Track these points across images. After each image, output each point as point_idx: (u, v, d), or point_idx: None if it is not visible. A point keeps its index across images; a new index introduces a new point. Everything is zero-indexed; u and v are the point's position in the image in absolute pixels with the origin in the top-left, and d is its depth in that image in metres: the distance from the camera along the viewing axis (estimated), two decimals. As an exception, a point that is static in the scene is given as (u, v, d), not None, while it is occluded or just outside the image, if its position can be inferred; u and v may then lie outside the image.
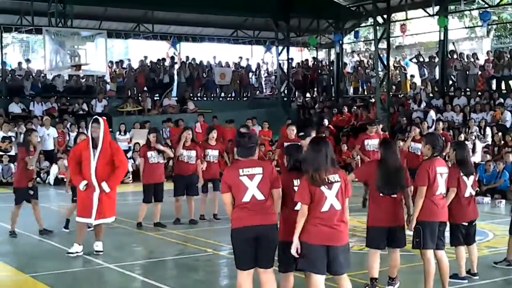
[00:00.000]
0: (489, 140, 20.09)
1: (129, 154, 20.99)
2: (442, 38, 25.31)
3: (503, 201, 15.45)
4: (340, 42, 29.76)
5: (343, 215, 6.14)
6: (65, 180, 20.42)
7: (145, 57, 28.62)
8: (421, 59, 26.43)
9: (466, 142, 19.10)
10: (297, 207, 6.27)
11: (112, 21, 28.10)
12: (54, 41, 23.20)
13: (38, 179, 20.92)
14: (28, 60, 28.92)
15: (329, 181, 6.03)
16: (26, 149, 11.36)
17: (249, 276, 6.26)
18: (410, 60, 28.55)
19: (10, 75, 26.03)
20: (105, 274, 8.87)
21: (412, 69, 28.46)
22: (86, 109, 24.71)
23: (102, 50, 24.22)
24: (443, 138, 18.03)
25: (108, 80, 27.48)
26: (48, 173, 20.96)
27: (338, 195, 6.07)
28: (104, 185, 9.39)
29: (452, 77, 25.60)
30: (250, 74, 31.17)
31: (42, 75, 26.24)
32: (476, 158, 18.66)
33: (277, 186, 6.30)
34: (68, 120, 23.31)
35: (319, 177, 6.01)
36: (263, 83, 31.78)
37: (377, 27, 25.27)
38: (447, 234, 7.76)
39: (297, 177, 6.48)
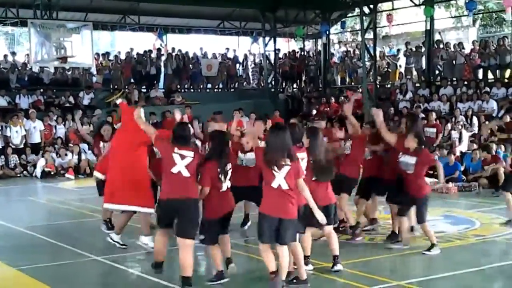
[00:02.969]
0: (475, 129, 20.18)
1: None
2: (428, 27, 25.34)
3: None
4: (327, 32, 29.70)
5: (292, 194, 7.01)
6: (52, 173, 20.50)
7: (131, 49, 28.48)
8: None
9: (453, 132, 19.38)
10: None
11: (98, 13, 27.90)
12: (40, 34, 23.04)
13: (25, 172, 20.94)
14: (13, 53, 28.67)
15: (282, 164, 6.93)
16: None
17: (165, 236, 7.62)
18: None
19: (-5, 68, 25.83)
20: (93, 266, 8.85)
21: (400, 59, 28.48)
22: (73, 101, 24.60)
23: (88, 42, 24.07)
24: (435, 129, 18.34)
25: (95, 72, 27.34)
26: (35, 166, 20.86)
27: (286, 177, 6.96)
28: None
29: (439, 66, 25.67)
30: (237, 65, 31.10)
31: (28, 67, 26.08)
32: (463, 147, 18.76)
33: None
34: (54, 112, 23.22)
35: (275, 159, 6.94)
36: (250, 74, 31.69)
37: (364, 17, 25.27)
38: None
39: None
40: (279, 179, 6.98)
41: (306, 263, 7.84)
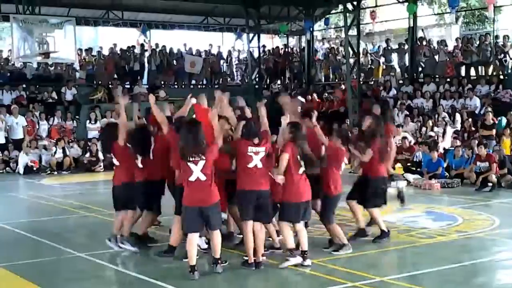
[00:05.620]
0: (458, 126, 20.30)
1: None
2: (411, 25, 25.43)
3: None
4: (311, 29, 29.75)
5: (211, 184, 7.52)
6: (35, 168, 20.37)
7: (115, 45, 28.32)
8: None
9: (436, 129, 19.50)
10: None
11: (81, 8, 27.73)
12: (22, 29, 22.88)
13: (7, 168, 20.78)
14: (-5, 48, 28.44)
15: (195, 159, 7.42)
16: None
17: None
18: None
19: (-23, 63, 25.59)
20: (76, 263, 8.80)
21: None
22: (56, 97, 24.42)
23: (71, 38, 23.94)
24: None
25: (78, 68, 27.17)
26: (17, 162, 20.70)
27: (203, 169, 7.45)
28: None
29: (422, 63, 25.78)
30: (221, 61, 31.03)
31: (10, 63, 25.86)
32: (446, 143, 18.86)
33: None
34: (37, 108, 23.05)
35: (187, 153, 7.43)
36: (234, 70, 31.67)
37: (347, 14, 25.31)
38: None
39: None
40: (197, 172, 7.48)
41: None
